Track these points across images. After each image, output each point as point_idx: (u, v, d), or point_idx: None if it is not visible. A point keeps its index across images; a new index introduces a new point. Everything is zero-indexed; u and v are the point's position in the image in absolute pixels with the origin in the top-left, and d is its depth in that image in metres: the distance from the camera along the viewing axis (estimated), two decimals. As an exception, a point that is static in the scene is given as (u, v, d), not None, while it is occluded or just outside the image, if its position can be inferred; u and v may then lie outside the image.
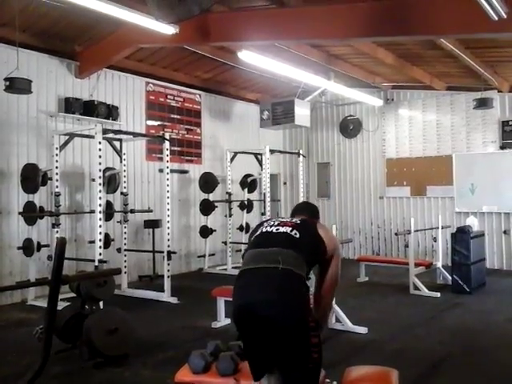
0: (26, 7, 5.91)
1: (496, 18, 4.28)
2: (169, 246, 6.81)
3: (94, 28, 6.87)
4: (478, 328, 5.30)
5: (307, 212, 2.94)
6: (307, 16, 5.65)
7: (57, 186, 6.56)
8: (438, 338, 4.94)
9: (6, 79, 5.81)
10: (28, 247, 6.46)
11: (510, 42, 6.36)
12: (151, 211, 7.99)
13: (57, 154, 6.59)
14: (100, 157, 5.94)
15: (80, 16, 6.14)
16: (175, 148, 8.84)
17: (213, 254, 9.27)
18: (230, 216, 9.11)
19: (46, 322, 2.16)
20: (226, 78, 9.63)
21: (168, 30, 5.37)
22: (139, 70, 8.42)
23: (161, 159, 7.81)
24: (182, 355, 3.75)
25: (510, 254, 9.02)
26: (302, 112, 9.21)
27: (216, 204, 8.94)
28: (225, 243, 9.18)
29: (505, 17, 4.26)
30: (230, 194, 9.10)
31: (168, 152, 6.91)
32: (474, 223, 8.07)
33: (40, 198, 6.73)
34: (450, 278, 7.34)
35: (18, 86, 5.83)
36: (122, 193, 7.37)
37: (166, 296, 6.66)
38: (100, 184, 5.97)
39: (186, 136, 9.36)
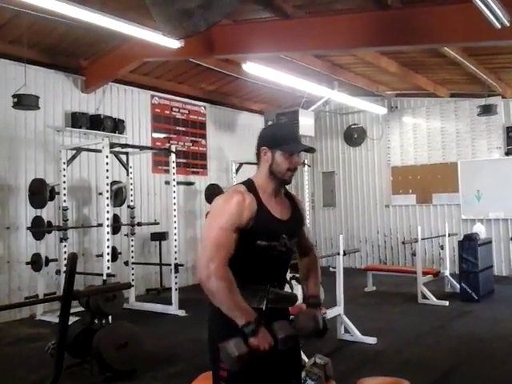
0: (33, 24, 5.99)
1: (499, 27, 4.31)
2: (176, 259, 6.82)
3: (99, 43, 6.95)
4: (487, 336, 5.26)
5: None
6: (311, 27, 5.70)
7: (64, 201, 6.61)
8: (448, 347, 4.91)
9: (14, 96, 5.88)
10: (36, 262, 6.48)
11: (512, 48, 6.38)
12: (158, 224, 8.01)
13: (64, 169, 6.65)
14: (107, 170, 5.97)
15: (86, 32, 6.21)
16: (181, 160, 8.88)
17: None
18: (237, 227, 9.09)
19: (58, 337, 2.16)
20: (230, 90, 9.69)
21: (173, 43, 5.43)
22: (144, 84, 8.49)
23: (167, 171, 7.85)
24: (193, 368, 3.75)
25: (518, 260, 8.98)
26: (307, 122, 9.24)
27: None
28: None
29: (508, 25, 4.29)
30: (235, 205, 9.09)
31: (174, 164, 6.94)
32: (481, 230, 8.04)
33: (48, 212, 6.77)
34: (458, 286, 7.30)
35: (26, 102, 5.90)
36: (128, 206, 7.41)
37: (173, 309, 6.66)
38: (107, 197, 6.00)
39: (192, 148, 9.40)
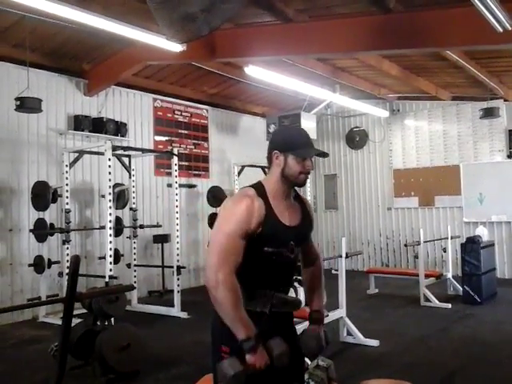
0: (36, 28, 6.02)
1: (501, 30, 4.32)
2: (178, 261, 6.83)
3: (102, 46, 6.98)
4: (490, 339, 5.26)
5: None
6: (313, 31, 5.72)
7: (67, 203, 6.65)
8: (451, 350, 4.91)
9: (17, 99, 5.91)
10: (39, 264, 6.50)
11: (514, 52, 6.39)
12: (160, 226, 8.03)
13: (67, 171, 6.69)
14: (110, 173, 5.99)
15: (89, 35, 6.24)
16: (183, 163, 8.90)
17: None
18: (239, 229, 9.10)
19: (61, 339, 2.17)
20: (232, 93, 9.72)
21: (175, 47, 5.45)
22: (147, 87, 8.52)
23: (169, 174, 7.86)
24: (195, 370, 3.76)
25: (521, 263, 8.97)
26: (309, 125, 9.24)
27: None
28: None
29: (510, 28, 4.30)
30: (238, 208, 9.10)
31: (176, 167, 6.96)
32: (483, 233, 8.03)
33: (50, 214, 6.79)
34: (460, 288, 7.30)
35: (29, 105, 5.93)
36: (131, 208, 7.43)
37: (176, 311, 6.67)
38: (110, 200, 6.02)
39: (194, 150, 9.42)
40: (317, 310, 2.29)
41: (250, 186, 2.09)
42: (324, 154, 2.21)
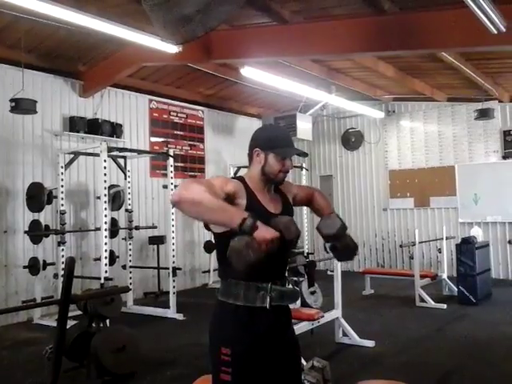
0: (31, 29, 6.00)
1: (495, 32, 4.34)
2: (174, 263, 6.82)
3: (97, 48, 6.96)
4: (485, 339, 5.28)
5: None
6: (308, 33, 5.73)
7: (62, 205, 6.62)
8: (446, 350, 4.92)
9: (12, 100, 5.89)
10: (34, 266, 6.47)
11: (509, 53, 6.42)
12: (156, 227, 8.02)
13: (62, 173, 6.66)
14: (105, 174, 5.98)
15: (84, 36, 6.23)
16: (179, 164, 8.89)
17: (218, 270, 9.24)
18: (235, 230, 9.10)
19: (56, 341, 2.17)
20: (228, 94, 9.71)
21: (171, 48, 5.44)
22: (142, 88, 8.51)
23: (165, 175, 7.86)
24: (191, 372, 3.76)
25: (516, 263, 9.01)
26: (304, 126, 9.27)
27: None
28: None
29: (504, 30, 4.32)
30: (233, 209, 9.10)
31: (172, 168, 6.96)
32: (478, 233, 8.07)
33: (45, 216, 6.78)
34: (455, 289, 7.32)
35: (24, 106, 5.92)
36: (126, 210, 7.42)
37: (171, 312, 6.66)
38: (105, 201, 6.00)
39: (190, 152, 9.42)
40: (331, 212, 2.31)
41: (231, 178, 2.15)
42: (304, 154, 2.29)
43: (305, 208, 9.24)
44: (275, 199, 2.19)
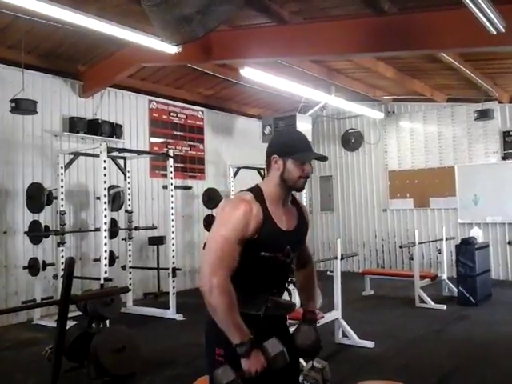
0: (31, 29, 6.00)
1: (495, 32, 4.34)
2: (173, 263, 6.82)
3: (97, 48, 6.97)
4: (485, 340, 5.27)
5: None
6: (308, 33, 5.73)
7: (62, 205, 6.63)
8: (446, 351, 4.92)
9: (12, 101, 5.89)
10: (33, 266, 6.47)
11: (508, 54, 6.42)
12: (155, 228, 8.02)
13: (62, 173, 6.66)
14: (105, 175, 5.98)
15: (84, 37, 6.24)
16: (178, 164, 8.89)
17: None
18: (234, 231, 9.10)
19: (56, 341, 2.17)
20: (227, 95, 9.72)
21: (171, 49, 5.45)
22: (142, 89, 8.51)
23: (164, 176, 7.86)
24: (190, 372, 3.76)
25: (516, 264, 9.01)
26: (304, 126, 9.24)
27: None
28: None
29: (503, 31, 4.32)
30: (233, 210, 9.10)
31: (172, 169, 6.96)
32: (478, 234, 8.06)
33: (45, 217, 6.78)
34: (455, 289, 7.32)
35: (24, 107, 5.91)
36: (126, 210, 7.42)
37: (171, 313, 6.66)
38: (105, 202, 6.00)
39: (189, 152, 9.42)
40: (311, 311, 2.30)
41: (247, 190, 2.07)
42: (323, 158, 2.21)
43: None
44: (290, 212, 2.14)
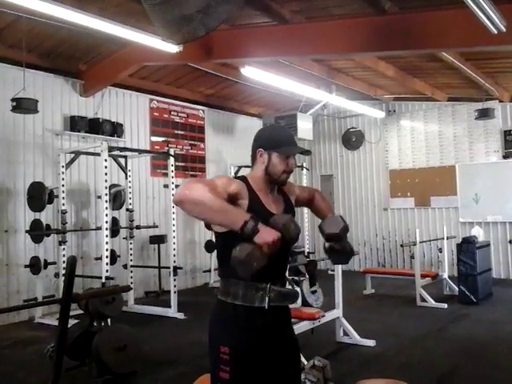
0: (32, 29, 6.01)
1: (495, 32, 4.34)
2: (175, 262, 6.83)
3: (98, 47, 6.97)
4: (486, 339, 5.28)
5: None
6: (309, 32, 5.73)
7: (63, 204, 6.64)
8: (447, 350, 4.92)
9: (13, 100, 5.90)
10: (35, 265, 6.48)
11: (509, 53, 6.42)
12: (157, 227, 8.03)
13: (63, 172, 6.68)
14: (106, 174, 5.99)
15: (85, 36, 6.24)
16: (179, 163, 8.90)
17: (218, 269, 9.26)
18: (235, 230, 9.12)
19: (57, 340, 2.17)
20: (228, 94, 9.72)
21: (172, 48, 5.45)
22: (143, 88, 8.51)
23: (165, 175, 7.87)
24: (192, 371, 3.77)
25: (516, 263, 9.01)
26: (305, 125, 9.27)
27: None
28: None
29: (504, 30, 4.32)
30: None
31: (173, 168, 6.96)
32: (479, 233, 8.07)
33: (46, 215, 6.79)
34: (456, 288, 7.32)
35: (25, 106, 5.92)
36: (127, 209, 7.43)
37: (172, 312, 6.67)
38: (106, 201, 6.01)
39: (190, 151, 9.43)
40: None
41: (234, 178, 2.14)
42: (307, 152, 2.28)
43: (305, 208, 9.24)
44: (277, 200, 2.18)
